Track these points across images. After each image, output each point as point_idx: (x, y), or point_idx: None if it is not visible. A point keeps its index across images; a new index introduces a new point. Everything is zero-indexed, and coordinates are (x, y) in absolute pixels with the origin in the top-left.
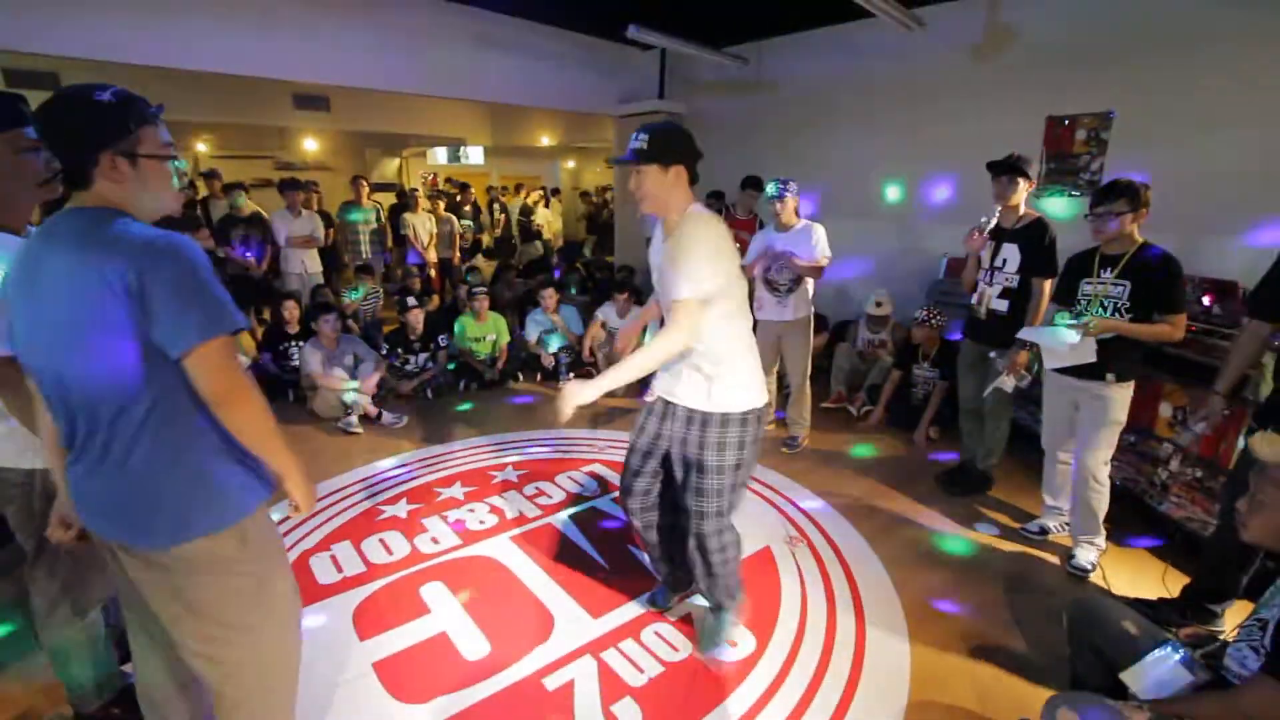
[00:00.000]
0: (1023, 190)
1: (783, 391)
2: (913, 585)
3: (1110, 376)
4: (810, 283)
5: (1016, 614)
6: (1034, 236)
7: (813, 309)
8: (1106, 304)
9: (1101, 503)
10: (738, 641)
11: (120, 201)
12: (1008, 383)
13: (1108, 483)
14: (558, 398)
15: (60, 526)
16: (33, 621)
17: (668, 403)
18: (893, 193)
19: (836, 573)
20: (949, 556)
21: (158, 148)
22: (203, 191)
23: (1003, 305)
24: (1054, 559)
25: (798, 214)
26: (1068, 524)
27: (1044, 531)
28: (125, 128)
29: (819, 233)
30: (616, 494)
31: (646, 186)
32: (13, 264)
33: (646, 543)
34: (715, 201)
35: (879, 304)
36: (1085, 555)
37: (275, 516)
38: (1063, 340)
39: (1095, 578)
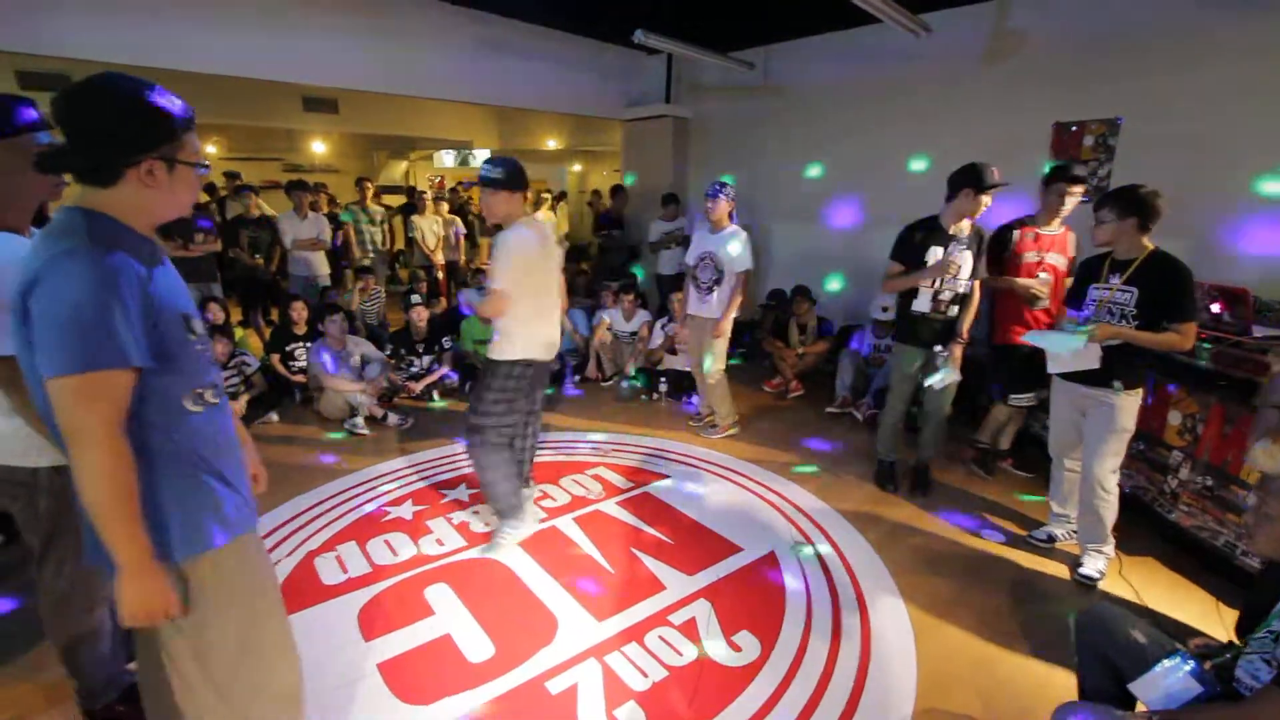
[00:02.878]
0: None
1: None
2: (919, 592)
3: (1117, 384)
4: (725, 285)
5: (1024, 622)
6: (980, 242)
7: (724, 310)
8: (1114, 310)
9: (1109, 511)
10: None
11: (133, 206)
12: (954, 373)
13: (1116, 491)
14: None
15: None
16: (40, 619)
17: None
18: (901, 196)
19: (841, 578)
20: (955, 563)
21: (192, 155)
22: (223, 190)
23: (953, 310)
24: (1062, 567)
25: (731, 218)
26: (1075, 532)
27: (1051, 539)
28: (172, 130)
29: (742, 239)
30: (621, 498)
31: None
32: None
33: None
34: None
35: (886, 309)
36: (1093, 563)
37: None
38: (1067, 345)
39: (1125, 591)
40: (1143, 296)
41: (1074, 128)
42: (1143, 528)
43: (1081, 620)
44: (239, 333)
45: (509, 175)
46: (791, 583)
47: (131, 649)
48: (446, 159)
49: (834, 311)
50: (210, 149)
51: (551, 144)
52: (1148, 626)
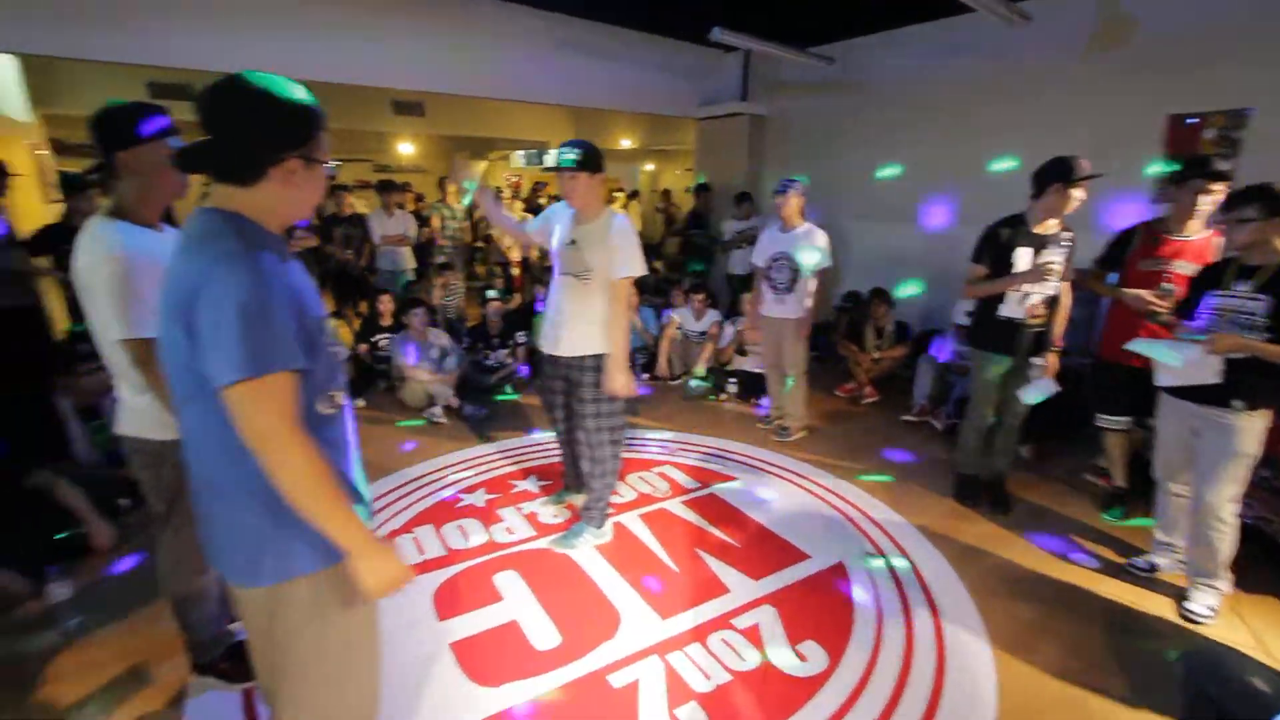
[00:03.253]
0: None
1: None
2: (1000, 616)
3: (1238, 404)
4: (809, 282)
5: (1118, 656)
6: (1071, 241)
7: (809, 307)
8: (1240, 321)
9: (1225, 543)
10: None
11: (269, 206)
12: (1052, 385)
13: (1235, 521)
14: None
15: None
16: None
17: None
18: (991, 194)
19: (915, 595)
20: (1041, 588)
21: (323, 154)
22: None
23: (1046, 314)
24: (1165, 601)
25: (802, 215)
26: (1183, 562)
27: (1153, 569)
28: (316, 131)
29: (819, 238)
30: (687, 498)
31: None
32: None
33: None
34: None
35: (970, 314)
36: (1203, 599)
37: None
38: (1178, 355)
39: (1241, 633)
40: (1278, 307)
41: (1190, 120)
42: (1265, 564)
43: (1190, 662)
44: (331, 324)
45: (587, 156)
46: (861, 596)
47: (234, 610)
48: (523, 159)
49: (913, 315)
50: None
51: (625, 144)
52: (1272, 674)
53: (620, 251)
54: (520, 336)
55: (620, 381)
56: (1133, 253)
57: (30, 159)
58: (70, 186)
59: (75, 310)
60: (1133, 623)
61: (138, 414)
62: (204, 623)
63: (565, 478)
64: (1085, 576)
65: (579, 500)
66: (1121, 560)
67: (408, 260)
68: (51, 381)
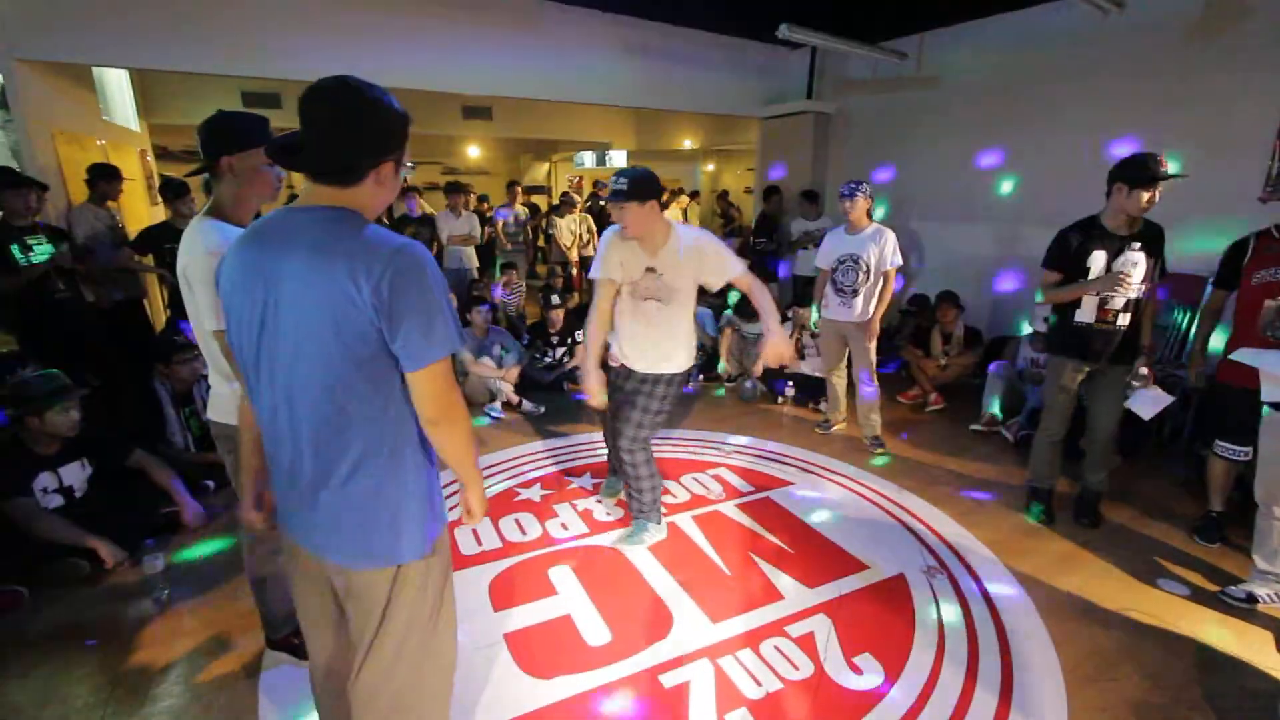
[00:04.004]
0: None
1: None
2: (1074, 641)
3: None
4: (871, 286)
5: (1209, 694)
6: (1159, 239)
7: (873, 311)
8: None
9: None
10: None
11: (362, 205)
12: (1165, 395)
13: None
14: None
15: (253, 510)
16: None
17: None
18: (1073, 196)
19: (981, 613)
20: (1123, 614)
21: (408, 157)
22: None
23: (1124, 319)
24: (1266, 635)
25: (869, 216)
26: None
27: (1252, 600)
28: (406, 135)
29: (888, 239)
30: (741, 501)
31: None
32: (236, 254)
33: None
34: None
35: (1047, 320)
36: None
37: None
38: None
39: None
40: None
41: None
42: None
43: None
44: None
45: (634, 185)
46: (922, 611)
47: None
48: (586, 160)
49: (983, 320)
50: None
51: (687, 144)
52: None
53: (711, 260)
54: (579, 335)
55: (782, 349)
56: (1247, 264)
57: (139, 164)
58: (172, 190)
59: (176, 304)
60: (1225, 658)
61: (225, 401)
62: (279, 601)
63: (611, 459)
64: (1172, 604)
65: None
66: (1214, 589)
67: (472, 259)
68: (151, 369)
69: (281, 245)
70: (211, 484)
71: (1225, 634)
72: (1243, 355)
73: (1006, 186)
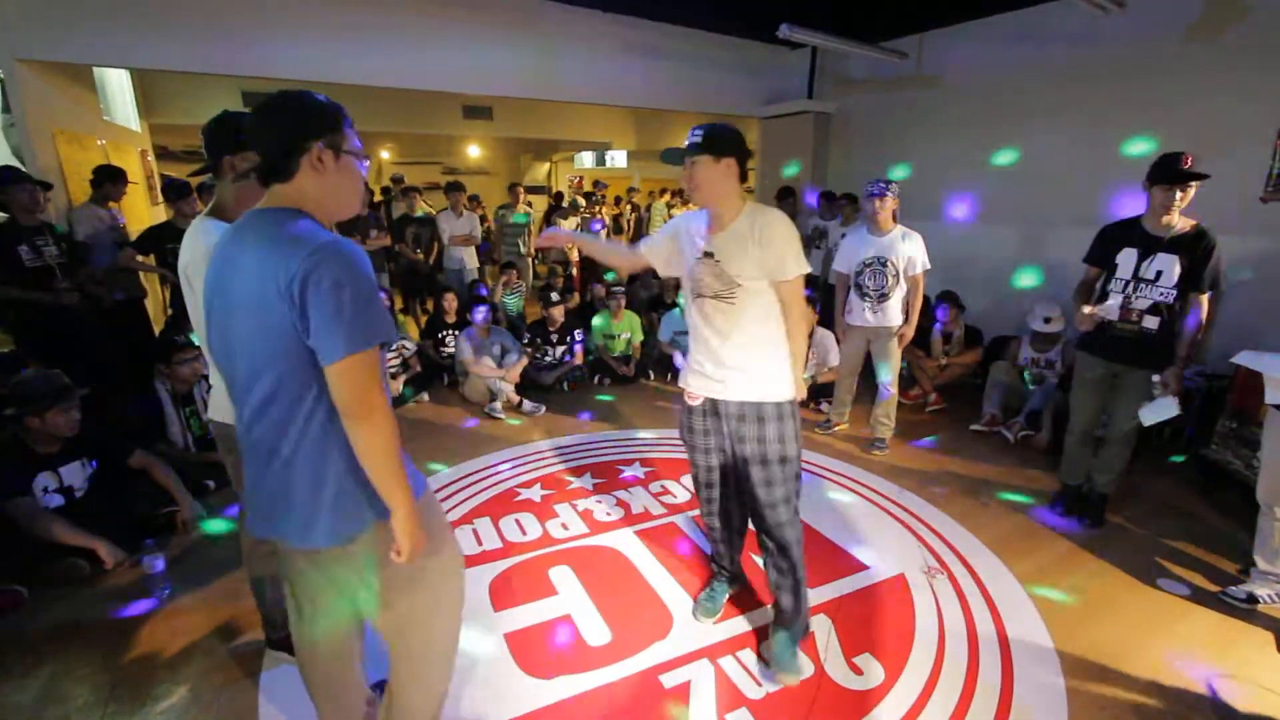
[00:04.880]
0: (1190, 197)
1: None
2: (1075, 640)
3: None
4: (902, 291)
5: (1208, 695)
6: (1200, 247)
7: (906, 317)
8: None
9: None
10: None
11: (314, 197)
12: (1173, 406)
13: None
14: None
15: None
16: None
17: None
18: (1073, 195)
19: (982, 613)
20: (1123, 614)
21: (354, 147)
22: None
23: (1151, 322)
24: (1266, 636)
25: (895, 219)
26: None
27: (1252, 600)
28: (335, 121)
29: (917, 242)
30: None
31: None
32: (213, 257)
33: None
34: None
35: (1049, 320)
36: None
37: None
38: None
39: None
40: None
41: None
42: None
43: None
44: (399, 320)
45: (711, 136)
46: (922, 611)
47: None
48: (586, 159)
49: (982, 320)
50: (384, 154)
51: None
52: None
53: (775, 246)
54: (578, 334)
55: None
56: None
57: (140, 165)
58: (174, 190)
59: (177, 304)
60: (1226, 658)
61: (225, 400)
62: (278, 600)
63: (716, 559)
64: (1173, 604)
65: (734, 590)
66: (1215, 589)
67: (471, 259)
68: (152, 369)
69: (239, 245)
70: (212, 484)
71: (1226, 635)
72: (1244, 358)
73: (1006, 186)
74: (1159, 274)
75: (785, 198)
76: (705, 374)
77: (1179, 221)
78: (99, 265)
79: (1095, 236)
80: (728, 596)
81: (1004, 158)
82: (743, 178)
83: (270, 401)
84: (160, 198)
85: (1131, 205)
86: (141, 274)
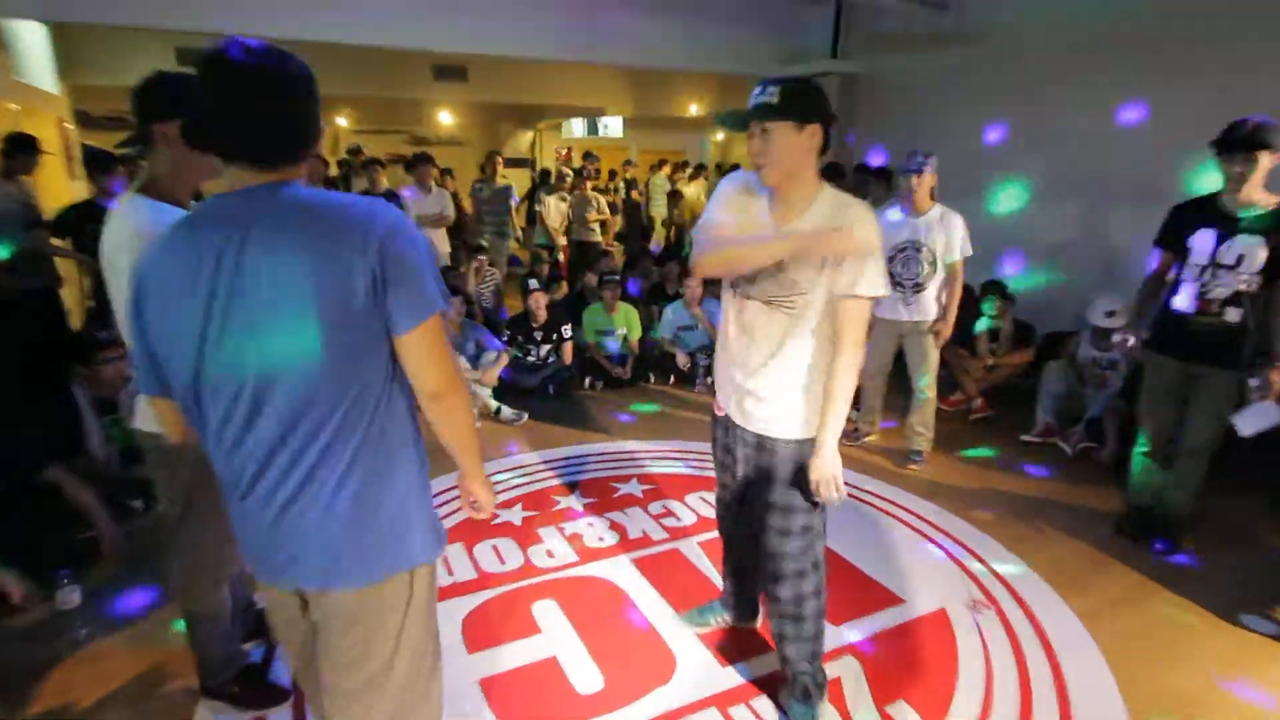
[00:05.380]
0: (1265, 168)
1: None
2: (1146, 686)
3: None
4: (939, 280)
5: None
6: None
7: (943, 309)
8: None
9: None
10: None
11: (299, 177)
12: (1275, 412)
13: None
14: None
15: None
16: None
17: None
18: (1142, 166)
19: (1036, 654)
20: (1201, 658)
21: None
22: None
23: (1233, 314)
24: None
25: (933, 197)
26: None
27: None
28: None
29: (957, 225)
30: None
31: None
32: (172, 240)
33: None
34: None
35: (1112, 314)
36: None
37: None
38: None
39: None
40: None
41: None
42: None
43: None
44: None
45: (790, 94)
46: (967, 653)
47: (249, 628)
48: (576, 128)
49: (1036, 314)
50: (341, 121)
51: (693, 109)
52: None
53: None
54: (566, 331)
55: (823, 471)
56: None
57: (57, 133)
58: (98, 163)
59: (100, 294)
60: None
61: None
62: (217, 640)
63: (727, 589)
64: (1259, 644)
65: (728, 619)
66: None
67: (442, 243)
68: (69, 370)
69: (247, 226)
70: (140, 504)
71: None
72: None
73: (1064, 159)
74: (1240, 259)
75: (833, 177)
76: (730, 387)
77: (1262, 197)
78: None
79: (1167, 216)
80: (723, 620)
81: (1056, 122)
82: (825, 148)
83: (298, 402)
84: (81, 171)
85: (1213, 181)
86: (57, 259)
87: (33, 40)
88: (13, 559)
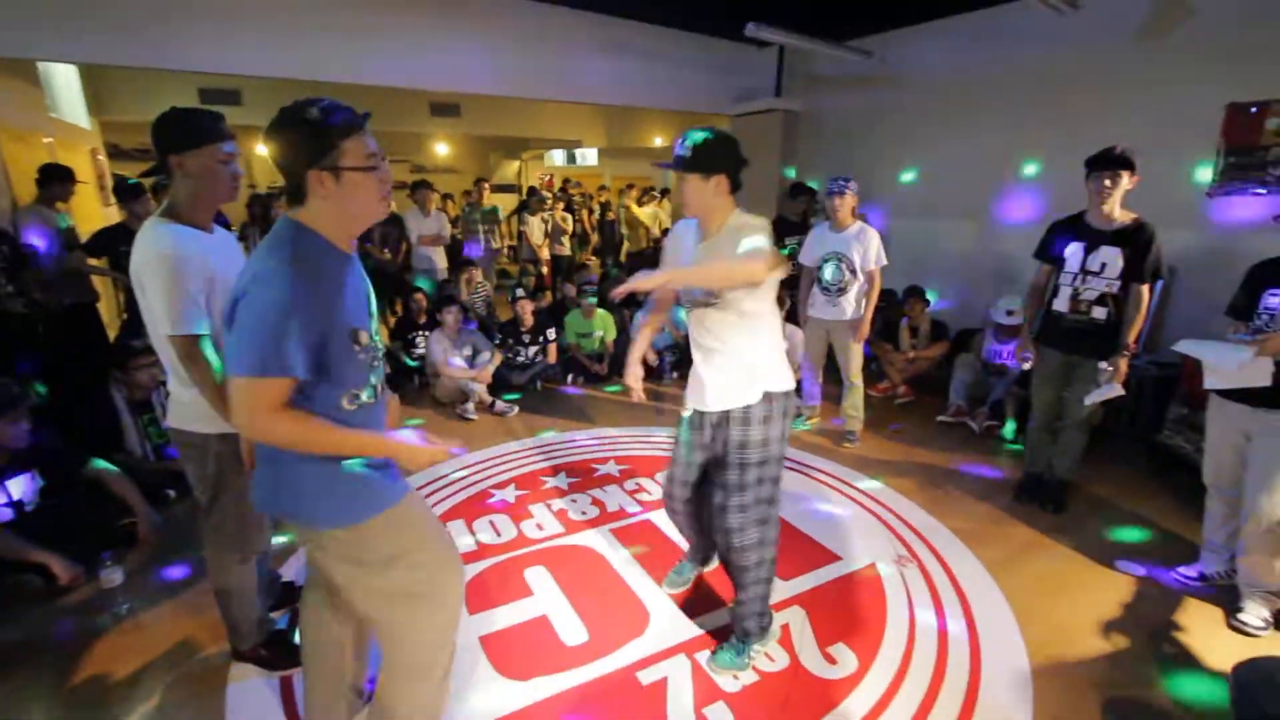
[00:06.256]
0: (1126, 187)
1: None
2: (1039, 625)
3: None
4: (859, 286)
5: (1164, 670)
6: (1140, 240)
7: (861, 311)
8: None
9: (1278, 551)
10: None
11: (326, 215)
12: (1116, 390)
13: None
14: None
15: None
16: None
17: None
18: (1030, 191)
19: (950, 600)
20: (1083, 596)
21: (361, 159)
22: None
23: (1100, 312)
24: (1215, 611)
25: (854, 215)
26: (1233, 572)
27: (1203, 578)
28: (328, 144)
29: (872, 239)
30: None
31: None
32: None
33: None
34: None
35: (1010, 313)
36: (1256, 610)
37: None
38: (1231, 358)
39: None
40: None
41: (1253, 109)
42: None
43: (1242, 676)
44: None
45: (696, 152)
46: (893, 601)
47: (275, 599)
48: (556, 157)
49: (948, 314)
50: None
51: (658, 141)
52: None
53: (744, 235)
54: (550, 333)
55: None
56: None
57: (90, 164)
58: (127, 191)
59: (132, 308)
60: (1180, 634)
61: (184, 407)
62: (245, 610)
63: (692, 551)
64: (1130, 585)
65: (704, 571)
66: (1168, 568)
67: (440, 259)
68: (107, 375)
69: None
70: (173, 493)
71: (1179, 612)
72: (1184, 346)
73: (966, 182)
74: (1104, 266)
75: (798, 194)
76: (696, 385)
77: (1120, 214)
78: (47, 269)
79: (1045, 232)
80: (696, 574)
81: (962, 153)
82: (735, 187)
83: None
84: (113, 198)
85: (1079, 201)
86: (94, 278)
87: (65, 79)
88: (60, 544)
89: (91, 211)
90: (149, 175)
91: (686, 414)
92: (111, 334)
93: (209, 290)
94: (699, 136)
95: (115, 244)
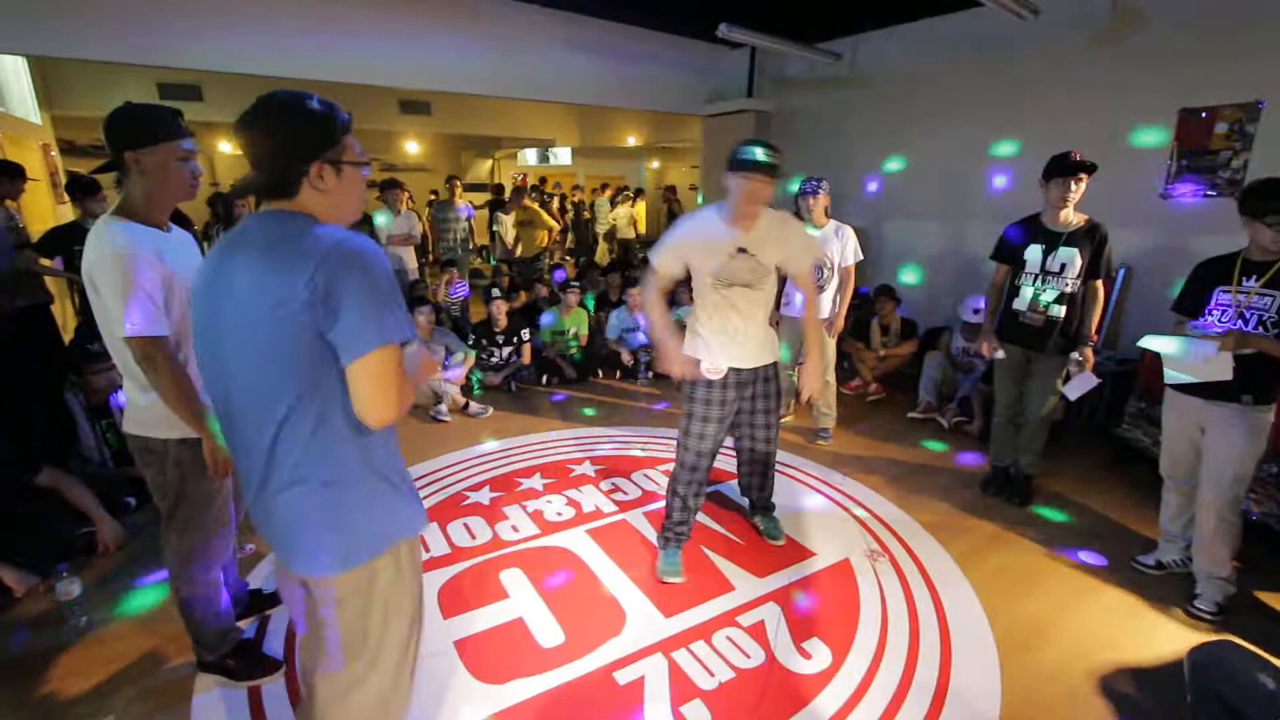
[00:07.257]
0: (1083, 190)
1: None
2: (1006, 613)
3: (1247, 399)
4: (836, 283)
5: (1126, 655)
6: (1095, 239)
7: (837, 308)
8: (1249, 316)
9: (1231, 540)
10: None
11: (317, 209)
12: (1093, 380)
13: (1240, 518)
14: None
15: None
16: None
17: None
18: (994, 190)
19: (921, 593)
20: (1048, 586)
21: (356, 156)
22: None
23: (1058, 310)
24: (1173, 597)
25: (828, 214)
26: (1188, 560)
27: (1160, 566)
28: (335, 136)
29: (849, 236)
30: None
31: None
32: (203, 263)
33: None
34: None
35: (977, 311)
36: (1210, 597)
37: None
38: (1194, 353)
39: (1256, 639)
40: None
41: (1204, 114)
42: (1272, 560)
43: (1197, 659)
44: None
45: (777, 164)
46: (866, 595)
47: (242, 607)
48: (529, 156)
49: (920, 312)
50: None
51: (631, 141)
52: (1278, 671)
53: (796, 238)
54: (525, 334)
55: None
56: None
57: (42, 160)
58: (82, 188)
59: (87, 309)
60: (1140, 620)
61: (142, 412)
62: (210, 620)
63: (677, 528)
64: (1092, 574)
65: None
66: (1127, 558)
67: (411, 259)
68: (62, 380)
69: (235, 249)
70: (133, 501)
71: (1139, 599)
72: (1147, 342)
73: (931, 183)
74: (1064, 267)
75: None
76: (739, 349)
77: (1074, 217)
78: None
79: (1001, 235)
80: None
81: (928, 155)
82: None
83: (300, 422)
84: (66, 196)
85: (1039, 201)
86: (47, 278)
87: (13, 72)
88: (12, 554)
89: (44, 210)
90: (102, 172)
91: (717, 376)
92: (67, 337)
93: (167, 290)
94: (768, 146)
95: (69, 243)
